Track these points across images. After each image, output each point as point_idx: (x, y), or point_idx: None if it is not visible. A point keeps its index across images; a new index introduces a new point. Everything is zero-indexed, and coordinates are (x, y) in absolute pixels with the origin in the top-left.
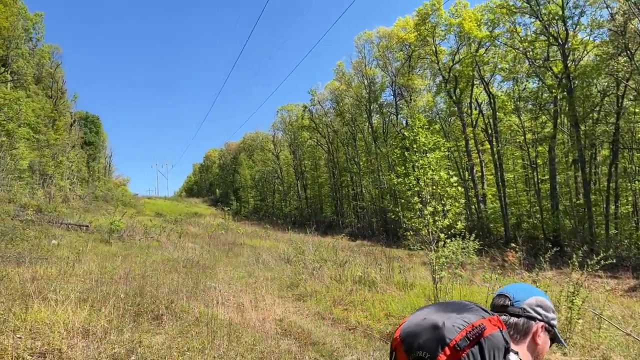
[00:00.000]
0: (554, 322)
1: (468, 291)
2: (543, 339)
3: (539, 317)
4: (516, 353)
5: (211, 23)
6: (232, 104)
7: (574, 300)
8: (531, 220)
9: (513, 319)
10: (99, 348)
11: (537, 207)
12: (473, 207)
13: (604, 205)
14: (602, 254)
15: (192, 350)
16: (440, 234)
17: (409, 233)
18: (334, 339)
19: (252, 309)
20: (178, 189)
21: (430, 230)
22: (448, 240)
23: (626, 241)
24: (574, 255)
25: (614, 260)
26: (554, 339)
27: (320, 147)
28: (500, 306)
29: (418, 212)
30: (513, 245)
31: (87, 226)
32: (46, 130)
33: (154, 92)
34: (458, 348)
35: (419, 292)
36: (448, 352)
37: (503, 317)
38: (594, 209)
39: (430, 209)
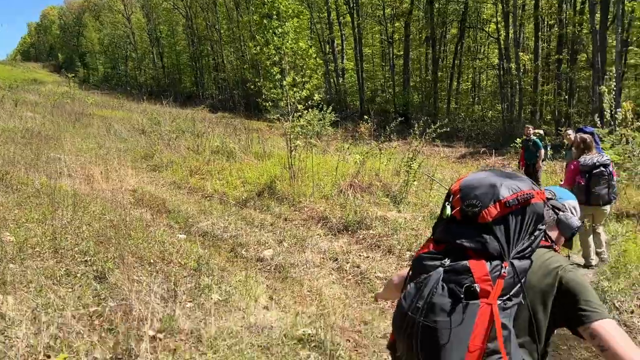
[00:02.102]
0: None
1: (322, 160)
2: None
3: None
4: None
5: None
6: None
7: (411, 165)
8: (384, 94)
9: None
10: None
11: (391, 82)
12: (332, 80)
13: (448, 82)
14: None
15: (31, 222)
16: (298, 105)
17: (268, 104)
18: (189, 207)
19: (103, 180)
20: (12, 51)
21: (288, 101)
22: (305, 112)
23: (463, 114)
24: (416, 125)
25: (448, 129)
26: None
27: (177, 11)
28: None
29: (277, 83)
30: (365, 117)
31: None
32: None
33: None
34: (507, 205)
35: (275, 161)
36: (498, 206)
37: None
38: (439, 84)
39: (289, 79)
